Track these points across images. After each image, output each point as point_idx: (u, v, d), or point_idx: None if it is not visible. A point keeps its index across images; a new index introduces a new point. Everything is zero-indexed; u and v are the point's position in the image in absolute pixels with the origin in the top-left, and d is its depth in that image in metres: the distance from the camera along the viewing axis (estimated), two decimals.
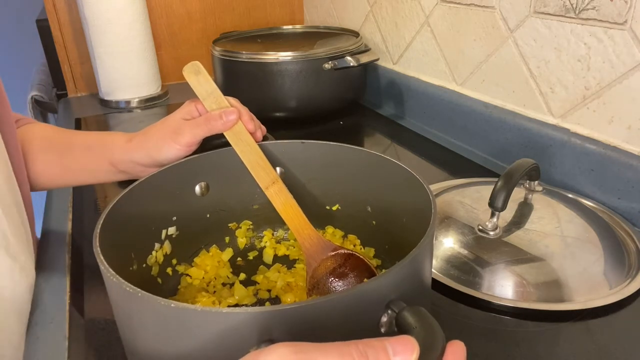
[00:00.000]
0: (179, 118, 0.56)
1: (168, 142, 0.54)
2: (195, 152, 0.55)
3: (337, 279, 0.50)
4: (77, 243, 0.65)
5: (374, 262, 0.54)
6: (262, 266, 0.56)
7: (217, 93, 0.55)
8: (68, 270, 0.58)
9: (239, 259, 0.58)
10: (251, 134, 0.54)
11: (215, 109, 0.54)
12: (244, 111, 0.55)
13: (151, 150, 0.55)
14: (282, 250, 0.58)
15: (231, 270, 0.56)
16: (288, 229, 0.60)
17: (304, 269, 0.55)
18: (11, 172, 0.51)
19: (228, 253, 0.57)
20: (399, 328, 0.31)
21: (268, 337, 0.30)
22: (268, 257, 0.57)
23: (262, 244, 0.59)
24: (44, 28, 1.20)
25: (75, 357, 0.46)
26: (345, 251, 0.50)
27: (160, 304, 0.31)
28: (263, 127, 0.58)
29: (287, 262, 0.57)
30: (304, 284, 0.52)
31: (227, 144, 0.55)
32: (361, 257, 0.50)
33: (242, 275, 0.54)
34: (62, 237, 0.65)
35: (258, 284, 0.53)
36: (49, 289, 0.54)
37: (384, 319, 0.32)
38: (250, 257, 0.58)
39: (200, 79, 0.55)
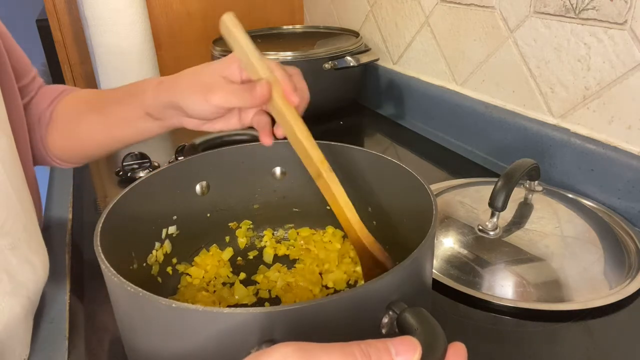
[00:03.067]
0: (218, 74, 0.49)
1: (198, 95, 0.48)
2: (194, 153, 0.55)
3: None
4: (77, 243, 0.64)
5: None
6: (262, 266, 0.56)
7: (254, 57, 0.47)
8: (68, 270, 0.58)
9: (239, 258, 0.58)
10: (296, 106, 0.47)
11: (255, 78, 0.47)
12: (285, 80, 0.47)
13: (178, 96, 0.49)
14: (282, 250, 0.58)
15: (231, 269, 0.56)
16: (288, 228, 0.61)
17: (304, 269, 0.55)
18: (17, 159, 0.50)
19: (228, 252, 0.57)
20: (400, 329, 0.31)
21: (269, 338, 0.30)
22: (268, 256, 0.57)
23: (262, 244, 0.59)
24: (44, 28, 1.20)
25: (75, 357, 0.46)
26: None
27: (161, 304, 0.31)
28: (305, 94, 0.50)
29: (287, 262, 0.57)
30: (304, 284, 0.52)
31: (226, 144, 0.56)
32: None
33: (242, 275, 0.54)
34: (62, 237, 0.65)
35: (258, 283, 0.53)
36: (49, 289, 0.54)
37: (385, 320, 0.32)
38: (251, 257, 0.58)
39: (237, 35, 0.47)
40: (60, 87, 0.65)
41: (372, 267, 0.46)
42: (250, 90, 0.46)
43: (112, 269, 0.35)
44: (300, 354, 0.23)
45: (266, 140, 0.50)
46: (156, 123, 0.55)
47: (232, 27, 0.47)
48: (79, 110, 0.61)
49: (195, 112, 0.49)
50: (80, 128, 0.60)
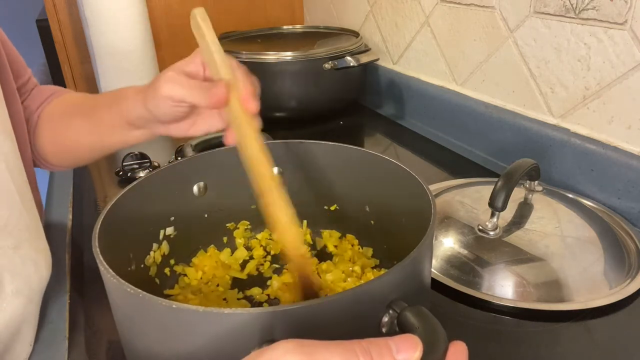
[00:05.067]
0: (179, 70, 0.48)
1: (156, 88, 0.47)
2: (191, 153, 0.55)
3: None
4: (77, 243, 0.64)
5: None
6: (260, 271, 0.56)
7: (217, 55, 0.45)
8: (68, 270, 0.58)
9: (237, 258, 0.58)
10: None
11: (216, 77, 0.46)
12: (246, 85, 0.45)
13: (148, 102, 0.49)
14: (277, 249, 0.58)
15: (229, 270, 0.56)
16: None
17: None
18: (19, 160, 0.50)
19: (226, 253, 0.57)
20: (400, 328, 0.31)
21: (270, 338, 0.30)
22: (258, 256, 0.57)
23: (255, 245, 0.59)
24: (44, 28, 1.20)
25: (75, 357, 0.46)
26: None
27: (161, 305, 0.31)
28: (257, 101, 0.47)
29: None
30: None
31: (225, 145, 0.55)
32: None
33: (240, 294, 0.54)
34: (62, 237, 0.64)
35: (254, 298, 0.53)
36: (49, 289, 0.54)
37: (385, 319, 0.32)
38: (248, 258, 0.58)
39: (203, 30, 0.45)
40: (50, 88, 0.64)
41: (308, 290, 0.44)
42: (208, 89, 0.44)
43: (111, 270, 0.35)
44: (302, 350, 0.23)
45: (229, 140, 0.47)
46: (140, 131, 0.55)
47: (200, 21, 0.45)
48: (67, 114, 0.60)
49: (160, 112, 0.48)
50: (68, 132, 0.59)
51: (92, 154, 0.61)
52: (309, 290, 0.44)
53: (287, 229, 0.41)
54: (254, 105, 0.44)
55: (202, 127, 0.52)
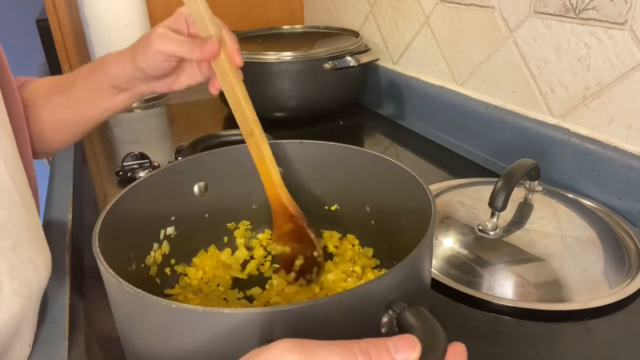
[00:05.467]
0: (164, 25, 0.53)
1: (146, 47, 0.52)
2: (192, 153, 0.55)
3: (293, 241, 0.53)
4: (77, 243, 0.64)
5: (322, 244, 0.56)
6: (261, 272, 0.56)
7: (207, 13, 0.50)
8: (68, 270, 0.58)
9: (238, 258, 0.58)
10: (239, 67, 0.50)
11: (204, 34, 0.50)
12: (230, 41, 0.50)
13: (137, 58, 0.53)
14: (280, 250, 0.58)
15: (229, 270, 0.56)
16: None
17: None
18: (19, 159, 0.50)
19: (226, 253, 0.57)
20: (400, 328, 0.31)
21: (269, 338, 0.30)
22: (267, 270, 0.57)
23: (256, 245, 0.59)
24: (44, 28, 1.20)
25: (75, 357, 0.46)
26: (299, 224, 0.52)
27: (161, 305, 0.31)
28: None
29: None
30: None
31: (225, 144, 0.55)
32: (309, 234, 0.51)
33: (240, 294, 0.54)
34: (62, 237, 0.64)
35: (255, 300, 0.53)
36: (49, 289, 0.54)
37: (385, 319, 0.32)
38: (251, 269, 0.58)
39: None
40: (21, 79, 0.64)
41: (285, 222, 0.52)
42: (200, 44, 0.49)
43: (111, 270, 0.35)
44: (300, 349, 0.23)
45: (214, 90, 0.54)
46: (124, 95, 0.57)
47: None
48: (44, 95, 0.60)
49: (150, 67, 0.52)
50: (48, 112, 0.59)
51: (73, 131, 0.61)
52: (284, 221, 0.51)
53: (269, 163, 0.49)
54: (240, 59, 0.50)
55: (184, 80, 0.57)
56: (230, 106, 0.50)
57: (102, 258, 0.36)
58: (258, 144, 0.49)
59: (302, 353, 0.23)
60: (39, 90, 0.61)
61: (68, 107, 0.59)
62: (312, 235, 0.51)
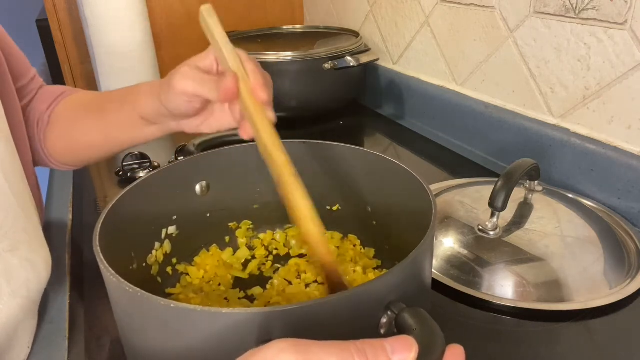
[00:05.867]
0: (193, 65, 0.48)
1: (170, 83, 0.47)
2: (194, 153, 0.55)
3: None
4: (77, 243, 0.65)
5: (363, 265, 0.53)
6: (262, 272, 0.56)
7: (225, 48, 0.45)
8: (68, 270, 0.58)
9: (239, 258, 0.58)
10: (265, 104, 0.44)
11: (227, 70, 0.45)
12: (254, 75, 0.44)
13: (162, 95, 0.49)
14: (283, 250, 0.59)
15: (231, 269, 0.56)
16: (288, 229, 0.61)
17: (297, 265, 0.55)
18: (19, 164, 0.50)
19: (228, 253, 0.57)
20: (398, 329, 0.31)
21: (268, 337, 0.29)
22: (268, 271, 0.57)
23: (257, 245, 0.59)
24: (44, 28, 1.20)
25: (75, 357, 0.46)
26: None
27: (160, 304, 0.31)
28: (271, 91, 0.47)
29: (284, 259, 0.57)
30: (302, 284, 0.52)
31: (227, 144, 0.55)
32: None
33: (241, 294, 0.54)
34: (62, 237, 0.65)
35: (256, 300, 0.53)
36: (49, 289, 0.54)
37: (384, 320, 0.32)
38: (250, 257, 0.58)
39: (211, 26, 0.46)
40: (59, 88, 0.64)
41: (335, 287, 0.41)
42: (218, 82, 0.44)
43: (111, 269, 0.35)
44: (296, 349, 0.23)
45: (244, 134, 0.47)
46: (154, 127, 0.55)
47: (207, 17, 0.45)
48: (77, 113, 0.61)
49: (172, 107, 0.48)
50: (78, 131, 0.60)
51: (103, 152, 0.61)
52: (336, 285, 0.41)
53: (308, 217, 0.40)
54: (264, 95, 0.43)
55: (213, 124, 0.52)
56: (260, 149, 0.43)
57: (102, 257, 0.36)
58: (288, 193, 0.40)
59: (299, 353, 0.23)
60: (74, 109, 0.61)
61: (99, 132, 0.58)
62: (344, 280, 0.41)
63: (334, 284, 0.40)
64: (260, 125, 0.42)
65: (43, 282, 0.47)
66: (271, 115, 0.43)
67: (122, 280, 0.33)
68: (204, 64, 0.48)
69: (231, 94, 0.43)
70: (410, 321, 0.30)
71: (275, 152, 0.41)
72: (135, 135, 0.57)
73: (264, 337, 0.30)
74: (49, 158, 0.62)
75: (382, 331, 0.32)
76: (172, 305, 0.31)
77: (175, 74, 0.47)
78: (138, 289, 0.32)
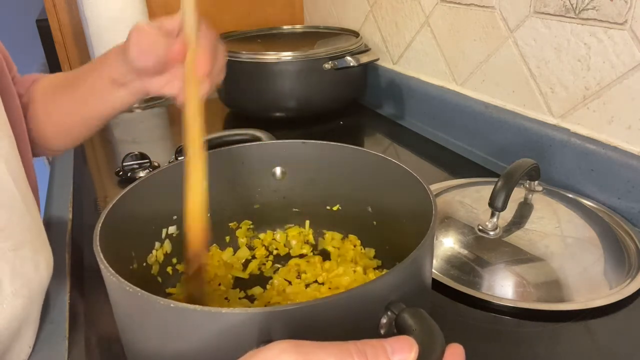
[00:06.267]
0: (157, 22, 0.50)
1: (128, 39, 0.49)
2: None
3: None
4: (77, 243, 0.64)
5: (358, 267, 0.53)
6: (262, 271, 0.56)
7: (187, 16, 0.46)
8: (68, 270, 0.58)
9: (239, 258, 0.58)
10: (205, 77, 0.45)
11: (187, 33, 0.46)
12: (207, 48, 0.46)
13: (125, 49, 0.50)
14: (284, 250, 0.58)
15: (231, 269, 0.56)
16: (288, 229, 0.61)
17: (297, 265, 0.55)
18: (20, 163, 0.50)
19: (228, 252, 0.57)
20: (398, 330, 0.31)
21: (267, 338, 0.30)
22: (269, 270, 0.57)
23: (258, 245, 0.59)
24: (44, 28, 1.20)
25: (75, 357, 0.46)
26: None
27: (159, 304, 0.31)
28: (220, 74, 0.50)
29: (287, 260, 0.57)
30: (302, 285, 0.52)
31: (227, 144, 0.55)
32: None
33: (241, 294, 0.54)
34: (62, 237, 0.64)
35: (257, 299, 0.53)
36: (49, 289, 0.54)
37: (384, 320, 0.32)
38: (250, 257, 0.58)
39: None
40: (33, 75, 0.63)
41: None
42: (170, 44, 0.46)
43: (110, 268, 0.35)
44: (297, 350, 0.23)
45: (178, 98, 0.49)
46: (122, 91, 0.54)
47: None
48: (52, 92, 0.60)
49: (134, 61, 0.49)
50: (55, 109, 0.59)
51: (86, 126, 0.60)
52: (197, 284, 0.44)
53: (196, 200, 0.43)
54: (205, 67, 0.45)
55: (176, 85, 0.52)
56: (184, 117, 0.44)
57: (102, 257, 0.36)
58: (190, 167, 0.43)
59: (299, 354, 0.23)
60: (46, 88, 0.61)
61: (71, 103, 0.58)
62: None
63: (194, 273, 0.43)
64: (189, 95, 0.44)
65: (45, 282, 0.47)
66: (204, 89, 0.45)
67: (122, 280, 0.33)
68: (168, 24, 0.50)
69: (175, 57, 0.46)
70: (410, 321, 0.30)
71: (191, 125, 0.43)
72: (107, 102, 0.56)
73: (264, 337, 0.30)
74: (37, 144, 0.61)
75: (382, 331, 0.32)
76: (171, 305, 0.31)
77: (132, 30, 0.49)
78: (138, 289, 0.32)
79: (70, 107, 0.59)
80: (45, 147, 0.62)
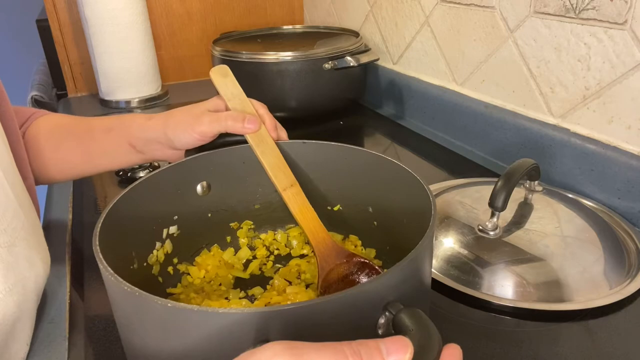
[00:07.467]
0: (204, 108, 0.57)
1: (186, 126, 0.55)
2: (200, 151, 0.55)
3: (348, 286, 0.48)
4: (77, 243, 0.65)
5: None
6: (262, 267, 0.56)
7: (243, 97, 0.57)
8: (68, 270, 0.58)
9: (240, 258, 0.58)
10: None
11: (239, 111, 0.56)
12: (268, 119, 0.56)
13: (169, 130, 0.56)
14: (284, 250, 0.59)
15: (232, 269, 0.56)
16: (289, 229, 0.61)
17: (297, 265, 0.55)
18: (14, 165, 0.50)
19: (229, 253, 0.57)
20: (395, 330, 0.31)
21: (264, 338, 0.30)
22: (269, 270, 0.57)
23: (258, 245, 0.59)
24: (44, 28, 1.20)
25: (75, 357, 0.46)
26: (360, 259, 0.49)
27: (157, 304, 0.31)
28: (284, 132, 0.58)
29: (287, 260, 0.57)
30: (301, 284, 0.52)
31: (228, 144, 0.55)
32: (374, 265, 0.49)
33: (242, 294, 0.54)
34: (62, 237, 0.65)
35: (257, 299, 0.53)
36: (49, 289, 0.54)
37: (382, 320, 0.32)
38: (251, 257, 0.58)
39: (227, 81, 0.58)
40: (29, 110, 0.64)
41: (336, 266, 0.49)
42: (237, 119, 0.54)
43: (109, 268, 0.35)
44: (291, 352, 0.23)
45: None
46: (138, 155, 0.59)
47: (223, 76, 0.58)
48: (57, 135, 0.61)
49: (182, 143, 0.56)
50: (59, 154, 0.60)
51: (92, 172, 0.63)
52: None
53: (310, 217, 0.51)
54: (275, 134, 0.55)
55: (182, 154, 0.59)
56: (266, 166, 0.53)
57: (101, 257, 0.36)
58: (296, 195, 0.52)
59: (293, 356, 0.23)
60: (52, 130, 0.62)
61: (80, 154, 0.60)
62: (368, 260, 0.50)
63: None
64: (273, 149, 0.54)
65: (41, 281, 0.47)
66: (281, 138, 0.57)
67: (120, 280, 0.33)
68: (214, 107, 0.57)
69: (254, 131, 0.54)
70: (407, 322, 0.30)
71: (284, 165, 0.54)
72: (117, 161, 0.61)
73: (261, 337, 0.30)
74: (41, 178, 0.62)
75: (380, 332, 0.32)
76: (169, 304, 0.31)
77: (202, 118, 0.55)
78: (136, 289, 0.32)
79: (75, 157, 0.61)
80: (46, 179, 0.63)
